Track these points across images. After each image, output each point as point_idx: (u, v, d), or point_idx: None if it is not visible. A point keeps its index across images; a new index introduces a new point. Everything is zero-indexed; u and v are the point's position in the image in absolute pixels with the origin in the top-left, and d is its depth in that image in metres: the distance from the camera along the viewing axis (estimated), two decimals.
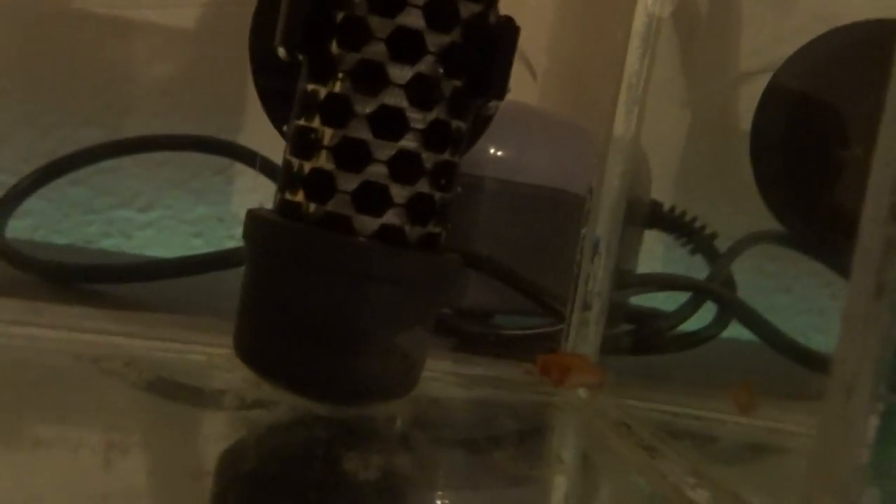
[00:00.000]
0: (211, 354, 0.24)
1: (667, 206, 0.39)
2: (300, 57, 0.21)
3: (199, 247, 0.52)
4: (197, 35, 0.51)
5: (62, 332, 0.24)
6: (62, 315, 0.27)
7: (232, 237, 0.53)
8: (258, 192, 0.47)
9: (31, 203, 0.44)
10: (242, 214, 0.58)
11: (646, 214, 0.38)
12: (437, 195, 0.21)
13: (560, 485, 0.19)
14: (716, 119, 0.44)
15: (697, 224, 0.39)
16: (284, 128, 0.22)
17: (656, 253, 0.47)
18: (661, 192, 0.43)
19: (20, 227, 0.49)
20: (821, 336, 0.51)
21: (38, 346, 0.23)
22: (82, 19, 0.49)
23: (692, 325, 0.37)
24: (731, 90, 0.42)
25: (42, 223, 0.50)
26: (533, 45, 0.51)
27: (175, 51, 0.51)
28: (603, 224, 0.28)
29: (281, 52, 0.21)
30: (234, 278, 0.36)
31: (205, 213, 0.52)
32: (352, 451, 0.18)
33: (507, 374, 0.26)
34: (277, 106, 0.23)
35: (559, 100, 0.49)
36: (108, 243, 0.51)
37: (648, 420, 0.22)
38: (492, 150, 0.35)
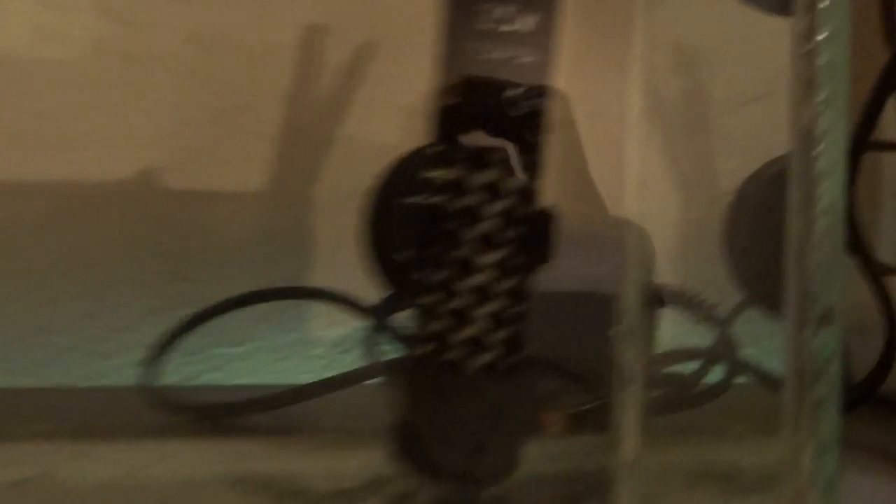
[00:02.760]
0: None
1: (670, 286, 0.49)
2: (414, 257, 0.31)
3: (283, 370, 0.61)
4: (269, 195, 0.60)
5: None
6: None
7: (310, 357, 0.61)
8: (328, 317, 0.57)
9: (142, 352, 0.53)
10: (316, 338, 0.66)
11: (657, 297, 0.47)
12: (521, 333, 0.31)
13: None
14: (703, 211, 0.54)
15: (698, 299, 0.48)
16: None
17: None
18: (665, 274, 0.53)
19: (134, 374, 0.57)
20: None
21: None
22: (173, 195, 0.59)
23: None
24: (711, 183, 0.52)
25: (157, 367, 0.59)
26: None
27: (251, 210, 0.60)
28: (631, 316, 0.37)
29: (399, 255, 0.31)
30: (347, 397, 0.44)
31: (288, 340, 0.61)
32: None
33: (565, 447, 0.36)
34: (396, 277, 0.33)
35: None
36: (210, 377, 0.60)
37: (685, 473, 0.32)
38: None
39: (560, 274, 0.45)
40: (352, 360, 0.53)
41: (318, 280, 0.59)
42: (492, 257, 0.30)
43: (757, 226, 0.38)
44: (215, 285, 0.59)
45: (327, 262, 0.59)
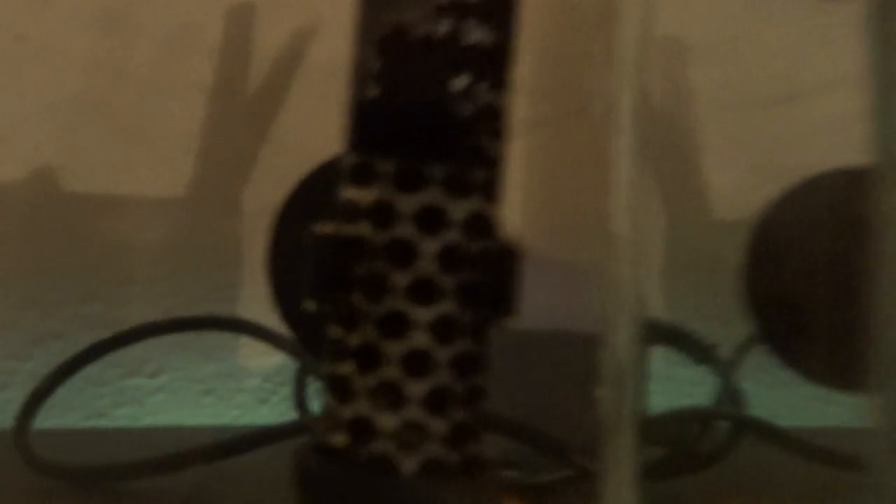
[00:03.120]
0: None
1: (662, 322, 0.41)
2: (327, 308, 0.22)
3: (209, 404, 0.53)
4: (186, 202, 0.53)
5: None
6: None
7: (241, 389, 0.54)
8: (262, 345, 0.49)
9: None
10: (250, 366, 0.59)
11: (646, 334, 0.39)
12: (472, 419, 0.22)
13: None
14: (695, 238, 0.47)
15: (694, 336, 0.41)
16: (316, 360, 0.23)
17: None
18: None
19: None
20: (832, 407, 0.52)
21: None
22: (74, 200, 0.51)
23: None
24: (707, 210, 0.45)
25: (56, 401, 0.51)
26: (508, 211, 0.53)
27: (166, 219, 0.53)
28: (619, 364, 0.29)
29: (309, 304, 0.22)
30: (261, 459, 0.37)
31: (214, 371, 0.53)
32: None
33: None
34: (306, 330, 0.24)
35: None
36: (120, 412, 0.52)
37: None
38: None
39: (526, 312, 0.37)
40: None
41: (244, 299, 0.52)
42: (434, 311, 0.21)
43: (787, 259, 0.30)
44: (123, 307, 0.51)
45: (254, 280, 0.51)
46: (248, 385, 0.54)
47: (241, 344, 0.54)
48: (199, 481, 0.37)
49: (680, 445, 0.36)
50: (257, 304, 0.45)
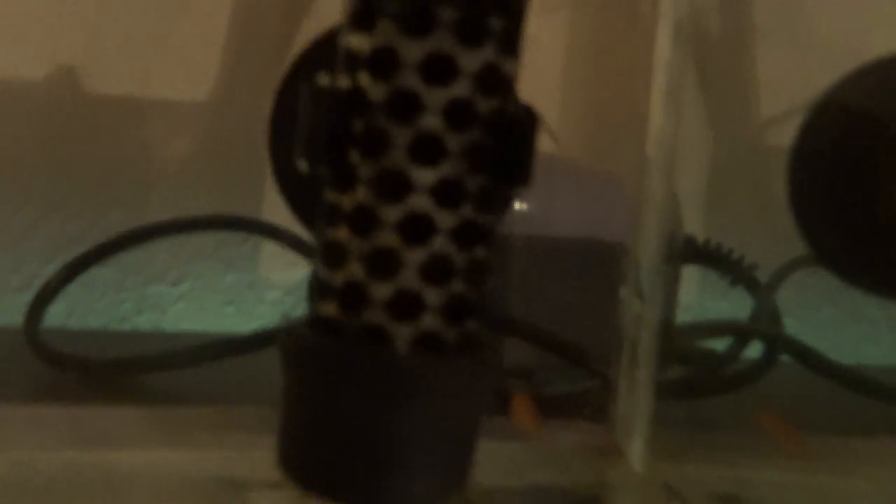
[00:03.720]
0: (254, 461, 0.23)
1: (700, 240, 0.39)
2: (322, 168, 0.20)
3: (231, 314, 0.52)
4: (207, 109, 0.51)
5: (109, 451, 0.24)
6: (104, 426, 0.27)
7: (262, 301, 0.53)
8: (285, 256, 0.48)
9: (66, 288, 0.44)
10: (272, 279, 0.58)
11: (681, 251, 0.37)
12: (472, 294, 0.20)
13: None
14: (744, 146, 0.44)
15: (734, 256, 0.38)
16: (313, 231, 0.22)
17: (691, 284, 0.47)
18: (692, 224, 0.43)
19: (55, 312, 0.49)
20: (872, 347, 0.50)
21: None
22: (98, 103, 0.50)
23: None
24: (757, 116, 0.42)
25: (76, 307, 0.50)
26: (545, 95, 0.51)
27: (191, 126, 0.51)
28: (645, 277, 0.27)
29: (302, 164, 0.21)
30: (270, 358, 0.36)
31: (235, 281, 0.52)
32: None
33: (557, 448, 0.26)
34: (304, 206, 0.22)
35: (575, 146, 0.49)
36: (142, 319, 0.52)
37: (715, 495, 0.22)
38: (517, 206, 0.34)
39: (551, 216, 0.35)
40: None
41: (271, 208, 0.50)
42: (437, 172, 0.19)
43: (836, 162, 0.28)
44: (145, 213, 0.50)
45: None
46: (269, 297, 0.53)
47: (264, 256, 0.53)
48: (213, 378, 0.36)
49: (712, 363, 0.33)
50: (283, 213, 0.44)
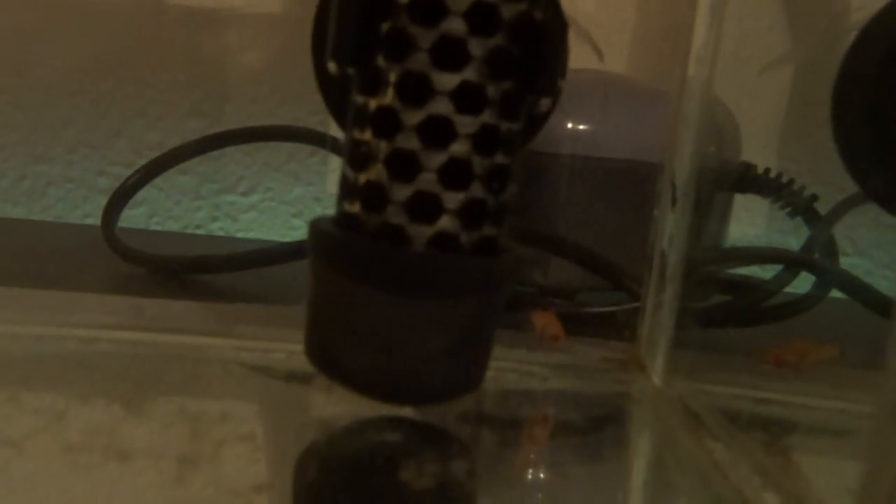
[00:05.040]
0: (291, 353, 0.25)
1: (761, 168, 0.38)
2: (350, 71, 0.21)
3: (298, 226, 0.54)
4: (284, 21, 0.52)
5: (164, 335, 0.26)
6: (162, 315, 0.29)
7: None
8: None
9: (146, 192, 0.47)
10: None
11: (736, 177, 0.36)
12: (491, 199, 0.21)
13: (619, 487, 0.19)
14: (810, 78, 0.42)
15: (795, 186, 0.37)
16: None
17: (758, 217, 0.46)
18: (758, 155, 0.41)
19: (136, 215, 0.52)
20: None
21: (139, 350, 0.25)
22: (177, 14, 0.51)
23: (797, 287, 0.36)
24: (824, 42, 0.40)
25: (155, 211, 0.53)
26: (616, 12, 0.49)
27: (264, 38, 0.52)
28: (679, 197, 0.27)
29: (331, 66, 0.21)
30: None
31: (302, 194, 0.54)
32: (411, 459, 0.19)
33: (584, 361, 0.26)
34: (342, 110, 0.23)
35: (649, 63, 0.48)
36: (216, 226, 0.54)
37: (724, 410, 0.22)
38: (569, 125, 0.34)
39: (604, 136, 0.35)
40: None
41: None
42: (458, 77, 0.20)
43: (882, 89, 0.26)
44: (223, 123, 0.52)
45: None
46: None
47: (330, 170, 0.54)
48: (269, 279, 0.37)
49: (756, 291, 0.33)
50: None
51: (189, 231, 0.53)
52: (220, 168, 0.53)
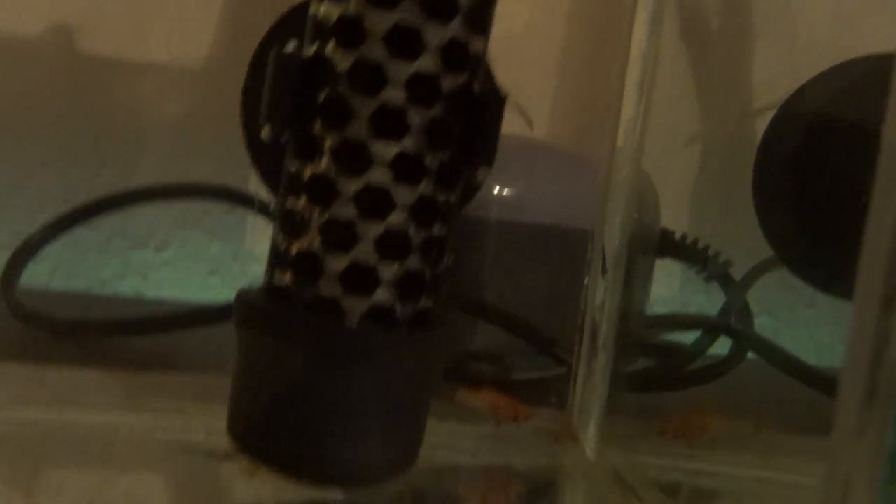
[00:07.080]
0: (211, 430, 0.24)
1: (678, 235, 0.39)
2: (284, 136, 0.20)
3: (215, 286, 0.52)
4: (205, 75, 0.51)
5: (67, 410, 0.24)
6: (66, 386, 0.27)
7: (245, 275, 0.53)
8: (270, 230, 0.48)
9: (48, 248, 0.44)
10: (257, 251, 0.58)
11: (655, 244, 0.37)
12: (428, 270, 0.20)
13: None
14: (726, 148, 0.43)
15: (710, 252, 0.38)
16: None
17: (673, 278, 0.47)
18: (672, 221, 0.43)
19: (38, 272, 0.50)
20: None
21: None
22: (92, 63, 0.50)
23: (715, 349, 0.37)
24: (741, 120, 0.42)
25: (58, 267, 0.50)
26: (538, 83, 0.50)
27: (183, 91, 0.51)
28: (608, 265, 0.27)
29: (265, 131, 0.21)
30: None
31: (220, 251, 0.52)
32: None
33: (515, 433, 0.26)
34: (273, 176, 0.22)
35: (568, 135, 0.49)
36: (124, 285, 0.52)
37: (654, 481, 0.22)
38: (494, 191, 0.34)
39: (529, 201, 0.35)
40: None
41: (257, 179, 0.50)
42: (397, 146, 0.19)
43: (799, 164, 0.28)
44: (134, 175, 0.50)
45: None
46: (252, 271, 0.53)
47: (249, 228, 0.52)
48: (185, 344, 0.36)
49: (679, 356, 0.33)
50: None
51: (95, 290, 0.51)
52: (130, 221, 0.51)
